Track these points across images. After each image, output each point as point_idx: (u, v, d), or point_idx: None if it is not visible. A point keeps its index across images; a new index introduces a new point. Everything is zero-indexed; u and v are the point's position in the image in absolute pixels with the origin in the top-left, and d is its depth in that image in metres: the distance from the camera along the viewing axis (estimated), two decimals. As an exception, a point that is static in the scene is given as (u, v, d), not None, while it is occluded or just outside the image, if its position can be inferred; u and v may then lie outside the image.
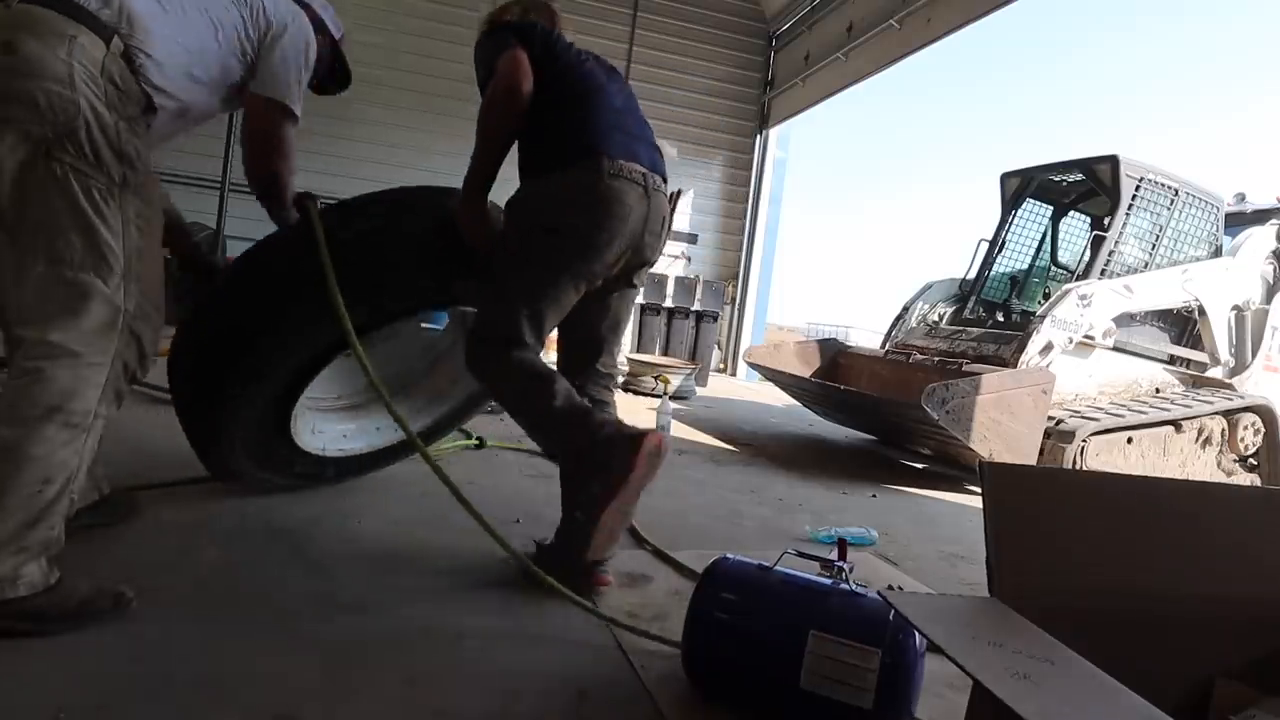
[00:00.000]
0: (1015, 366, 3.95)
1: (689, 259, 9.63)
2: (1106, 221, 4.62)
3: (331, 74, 2.06)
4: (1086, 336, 4.19)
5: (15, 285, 1.34)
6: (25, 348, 1.33)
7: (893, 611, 1.24)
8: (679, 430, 4.60)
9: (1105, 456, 3.85)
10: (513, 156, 1.94)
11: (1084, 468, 3.69)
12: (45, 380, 1.31)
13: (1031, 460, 3.65)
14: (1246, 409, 4.35)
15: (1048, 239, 5.47)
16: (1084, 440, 3.72)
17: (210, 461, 1.97)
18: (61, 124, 1.31)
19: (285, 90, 1.75)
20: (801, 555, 1.48)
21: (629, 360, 6.83)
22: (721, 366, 9.75)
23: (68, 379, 1.32)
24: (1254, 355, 4.75)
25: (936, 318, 5.35)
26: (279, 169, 1.81)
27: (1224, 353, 4.74)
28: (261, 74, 1.71)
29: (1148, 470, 4.02)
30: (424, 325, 2.71)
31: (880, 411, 4.60)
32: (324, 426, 2.33)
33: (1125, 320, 4.45)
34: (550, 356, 2.02)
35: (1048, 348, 4.05)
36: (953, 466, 4.32)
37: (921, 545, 2.76)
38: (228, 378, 1.77)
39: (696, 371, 6.82)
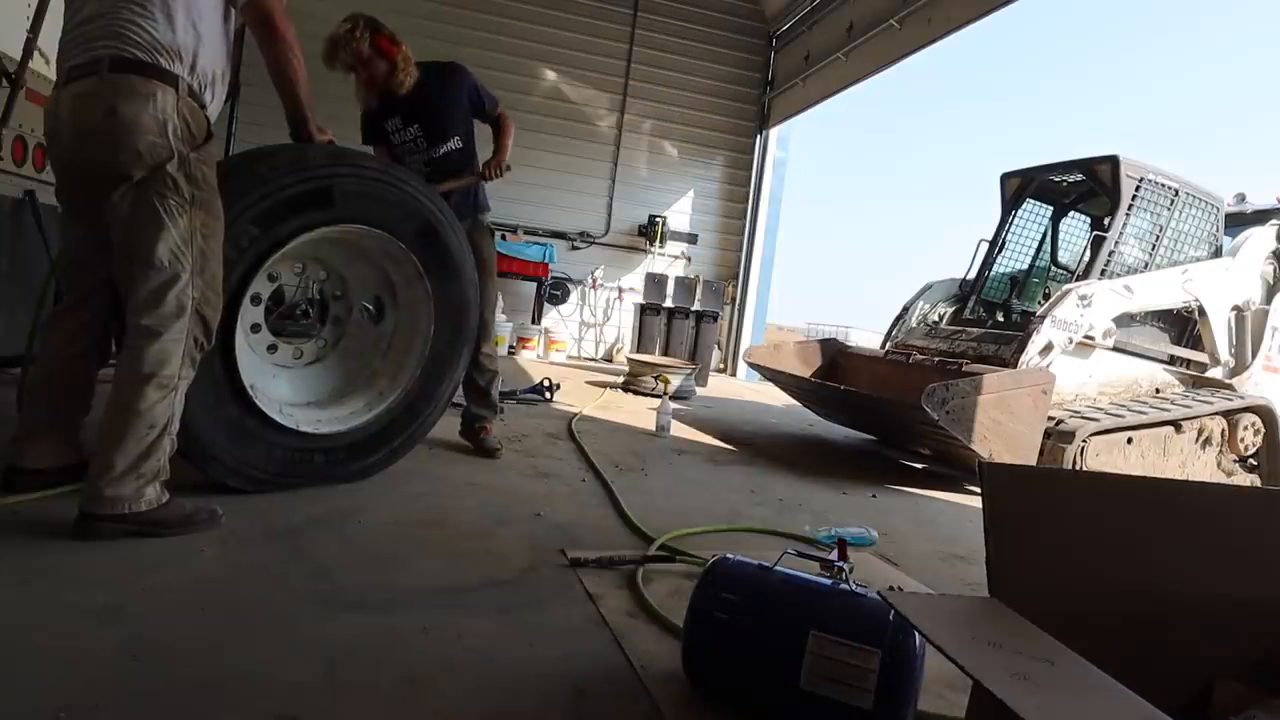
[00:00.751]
0: (1015, 367, 3.95)
1: (689, 259, 9.64)
2: (1106, 222, 4.62)
3: None
4: (1086, 337, 4.19)
5: (127, 283, 1.83)
6: (130, 331, 1.81)
7: (893, 612, 1.24)
8: (679, 430, 4.60)
9: (1105, 457, 3.85)
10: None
11: (1084, 468, 3.69)
12: (144, 355, 1.78)
13: (1031, 460, 3.65)
14: (1246, 409, 4.34)
15: (1048, 239, 5.47)
16: (1084, 440, 3.72)
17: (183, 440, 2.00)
18: (157, 165, 1.77)
19: None
20: (801, 555, 1.48)
21: (629, 360, 6.83)
22: (721, 366, 9.75)
23: (159, 353, 1.80)
24: (1254, 355, 4.75)
25: (937, 318, 5.35)
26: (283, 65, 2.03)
27: (1224, 353, 4.74)
28: None
29: (1148, 470, 4.02)
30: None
31: (880, 411, 4.60)
32: (293, 411, 2.41)
33: (1125, 320, 4.45)
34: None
35: (1048, 348, 4.05)
36: (952, 466, 4.32)
37: (921, 545, 2.76)
38: None
39: (696, 371, 6.82)
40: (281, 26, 1.97)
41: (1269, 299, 4.83)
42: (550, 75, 9.15)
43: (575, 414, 4.57)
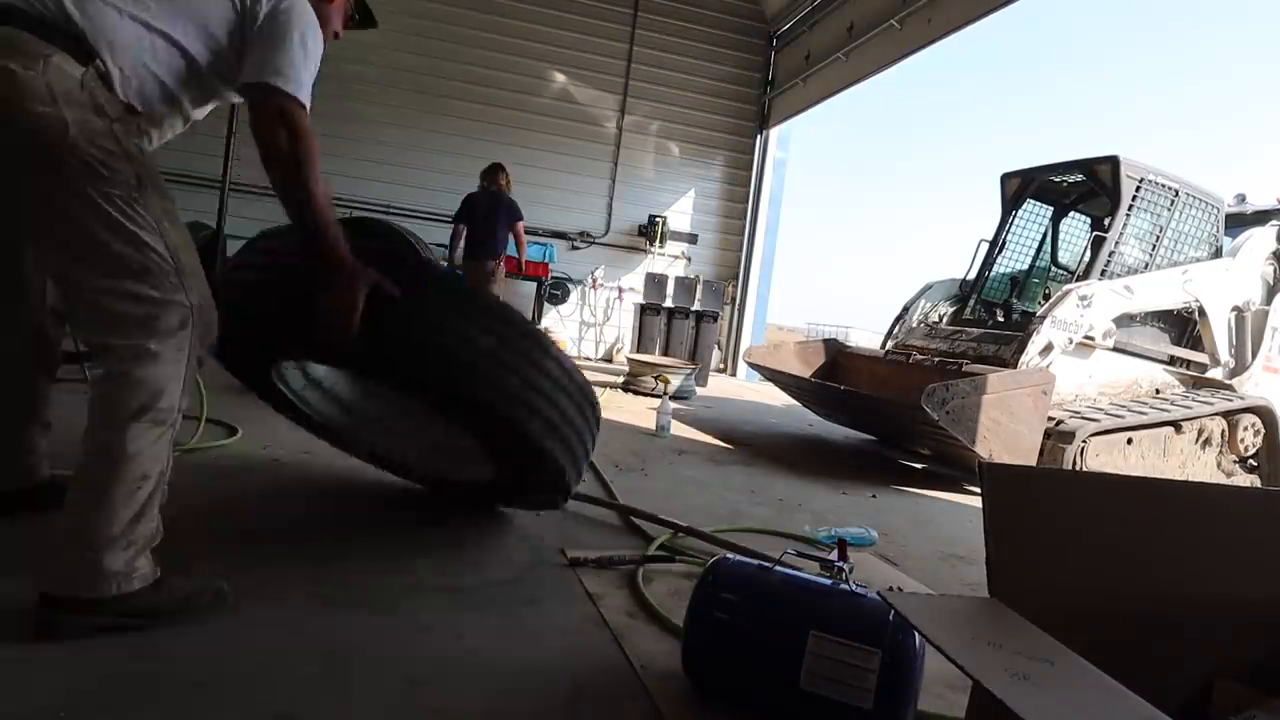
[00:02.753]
0: (1015, 367, 3.95)
1: (689, 259, 9.64)
2: (1107, 222, 4.62)
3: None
4: (1086, 337, 4.19)
5: (77, 299, 1.41)
6: (109, 354, 1.37)
7: (893, 612, 1.24)
8: (679, 430, 4.60)
9: (1105, 457, 3.85)
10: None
11: (1084, 468, 3.69)
12: (133, 382, 1.35)
13: (1031, 461, 3.65)
14: (1246, 410, 4.34)
15: (1048, 239, 5.47)
16: (1084, 441, 3.71)
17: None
18: (56, 142, 1.28)
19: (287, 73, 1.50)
20: (801, 555, 1.49)
21: (629, 360, 6.83)
22: (721, 366, 9.75)
23: (153, 379, 1.37)
24: (1254, 356, 4.74)
25: (937, 318, 5.35)
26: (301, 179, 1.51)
27: (1224, 354, 4.74)
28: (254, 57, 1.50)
29: (1147, 471, 4.02)
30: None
31: (880, 412, 4.60)
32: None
33: (1125, 321, 4.45)
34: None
35: (1048, 348, 4.05)
36: (952, 467, 4.32)
37: (921, 545, 2.76)
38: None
39: (696, 371, 6.82)
40: (305, 137, 1.49)
41: (1269, 299, 4.83)
42: (550, 75, 9.15)
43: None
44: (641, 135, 9.47)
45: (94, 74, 1.33)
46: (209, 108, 1.65)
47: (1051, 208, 5.44)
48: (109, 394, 1.37)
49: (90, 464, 1.35)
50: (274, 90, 1.47)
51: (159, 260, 1.37)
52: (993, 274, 5.39)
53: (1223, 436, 4.29)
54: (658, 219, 9.35)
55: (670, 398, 4.83)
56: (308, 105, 1.52)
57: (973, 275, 5.43)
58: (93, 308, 1.37)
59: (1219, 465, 4.32)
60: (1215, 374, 4.69)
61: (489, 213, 6.26)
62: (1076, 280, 4.49)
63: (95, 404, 1.37)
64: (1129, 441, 3.96)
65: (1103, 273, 4.46)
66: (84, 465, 1.36)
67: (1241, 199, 5.62)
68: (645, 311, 7.92)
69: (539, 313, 9.03)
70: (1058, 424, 3.75)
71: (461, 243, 6.26)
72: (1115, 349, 4.37)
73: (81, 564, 1.32)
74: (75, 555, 1.33)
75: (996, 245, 5.39)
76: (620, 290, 9.48)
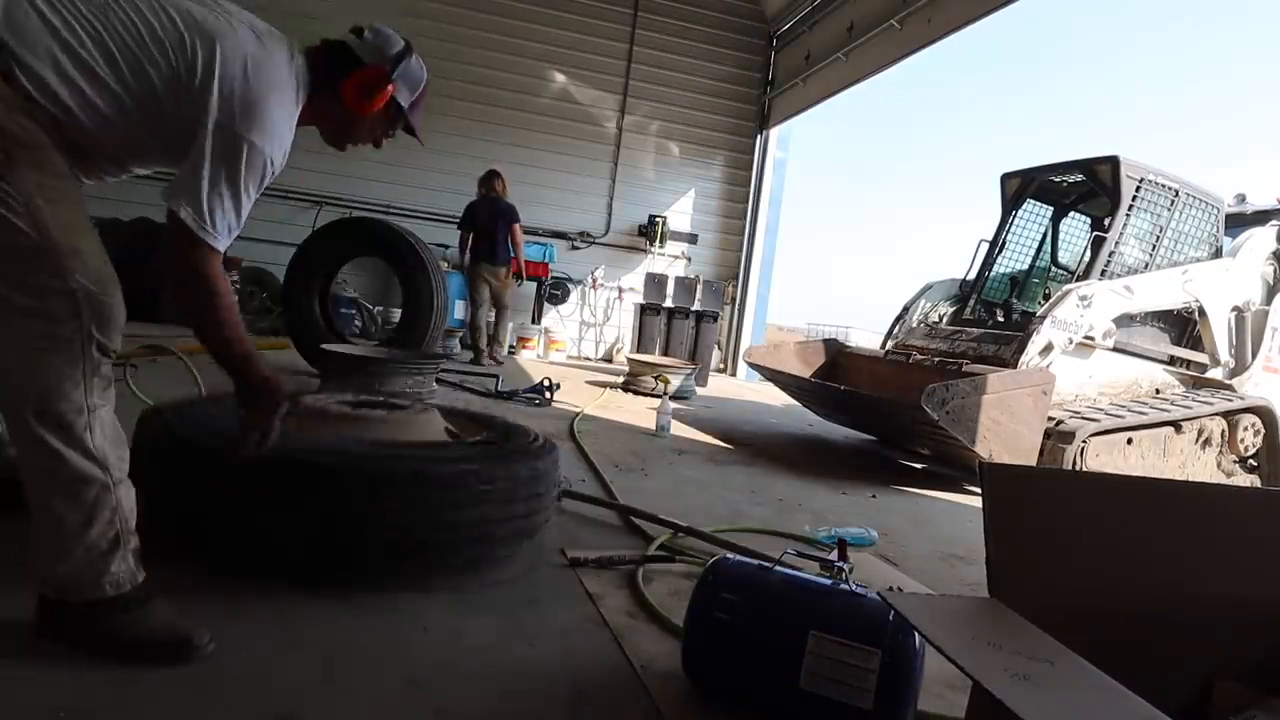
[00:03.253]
0: (1015, 367, 3.95)
1: (689, 259, 9.64)
2: (1107, 222, 4.61)
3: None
4: (1086, 337, 4.19)
5: None
6: None
7: (893, 612, 1.24)
8: (679, 430, 4.60)
9: (1105, 457, 3.85)
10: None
11: (1084, 468, 3.69)
12: (14, 384, 1.24)
13: (1031, 461, 3.65)
14: (1246, 410, 4.34)
15: (1048, 239, 5.47)
16: (1084, 441, 3.71)
17: None
18: None
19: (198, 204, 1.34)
20: (801, 555, 1.49)
21: (629, 360, 6.84)
22: (721, 366, 9.75)
23: (41, 376, 1.22)
24: (1254, 356, 4.74)
25: (937, 318, 5.35)
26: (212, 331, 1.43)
27: (1224, 354, 4.74)
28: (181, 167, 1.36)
29: (1147, 471, 4.01)
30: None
31: (880, 412, 4.59)
32: None
33: (1125, 321, 4.44)
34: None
35: (1048, 348, 4.05)
36: (952, 467, 4.32)
37: (921, 546, 2.76)
38: None
39: (696, 371, 6.82)
40: (205, 268, 1.37)
41: (1269, 300, 4.83)
42: (550, 75, 9.15)
43: (576, 413, 4.57)
44: (641, 135, 9.47)
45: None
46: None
47: (1051, 208, 5.44)
48: (7, 402, 1.26)
49: (25, 474, 1.27)
50: (180, 222, 1.33)
51: (30, 241, 1.20)
52: (993, 274, 5.39)
53: (1223, 436, 4.29)
54: (658, 219, 9.35)
55: (670, 398, 4.83)
56: (221, 247, 1.38)
57: (973, 275, 5.43)
58: None
59: (1219, 465, 4.32)
60: (1215, 374, 4.68)
61: (489, 219, 6.72)
62: (1076, 280, 4.49)
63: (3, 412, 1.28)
64: (1129, 441, 3.96)
65: (1103, 273, 4.46)
66: (24, 476, 1.28)
67: (1241, 199, 5.62)
68: (645, 311, 7.92)
69: (539, 312, 9.05)
70: (1058, 424, 3.75)
71: (467, 249, 6.81)
72: (1115, 349, 4.37)
73: (47, 570, 1.28)
74: (40, 561, 1.28)
75: (996, 245, 5.39)
76: (620, 290, 9.48)
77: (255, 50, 1.41)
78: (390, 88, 1.61)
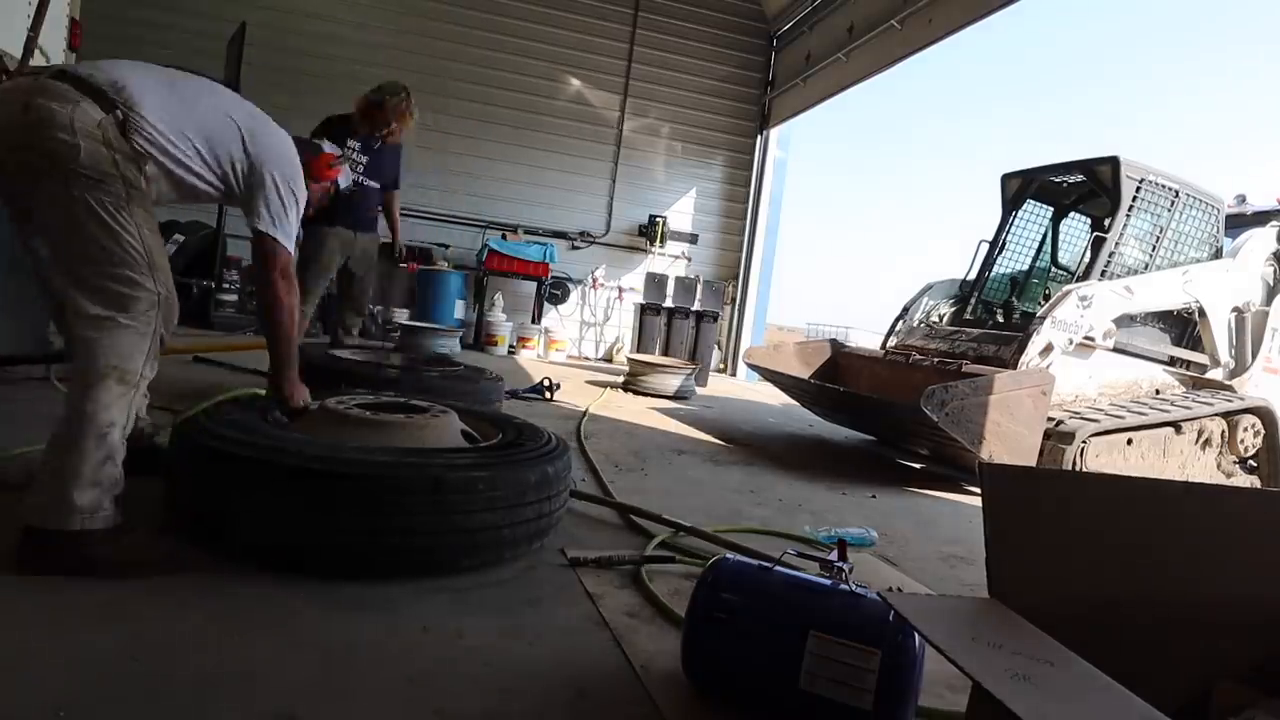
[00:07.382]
0: (1015, 368, 3.95)
1: (689, 259, 9.64)
2: (1107, 223, 4.61)
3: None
4: (1086, 338, 4.19)
5: (72, 286, 1.67)
6: (85, 323, 1.65)
7: (892, 612, 1.24)
8: (679, 430, 4.60)
9: (1105, 458, 3.85)
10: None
11: (1083, 469, 3.69)
12: (105, 346, 1.65)
13: (1031, 461, 3.65)
14: (1246, 411, 4.34)
15: (1048, 240, 5.47)
16: (1084, 441, 3.71)
17: None
18: (69, 161, 1.62)
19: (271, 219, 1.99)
20: (802, 556, 1.49)
21: (629, 360, 6.84)
22: (721, 366, 9.75)
23: (124, 344, 1.67)
24: (1254, 357, 4.74)
25: (937, 318, 5.35)
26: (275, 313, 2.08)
27: (1224, 354, 4.74)
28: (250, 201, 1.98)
29: (1147, 472, 4.01)
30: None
31: (880, 413, 4.59)
32: None
33: (1125, 321, 4.44)
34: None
35: (1048, 349, 4.05)
36: (952, 467, 4.32)
37: (921, 546, 2.76)
38: None
39: (696, 371, 6.82)
40: (277, 279, 2.02)
41: (1269, 300, 4.83)
42: (551, 76, 9.15)
43: (576, 413, 4.57)
44: (642, 135, 9.48)
45: (111, 120, 1.68)
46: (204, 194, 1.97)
47: (1052, 208, 5.44)
48: (85, 356, 1.65)
49: (70, 413, 1.62)
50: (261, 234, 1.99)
51: (136, 254, 1.69)
52: (993, 274, 5.39)
53: (1223, 437, 4.29)
54: (658, 219, 9.35)
55: (670, 398, 4.83)
56: (290, 245, 2.04)
57: (973, 276, 5.43)
58: (81, 282, 1.67)
59: (1219, 466, 4.31)
60: (1215, 375, 4.68)
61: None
62: (1076, 281, 4.49)
63: (76, 365, 1.67)
64: (1129, 442, 3.96)
65: (1103, 273, 4.46)
66: (65, 415, 1.62)
67: (1241, 199, 5.62)
68: (645, 311, 7.92)
69: (539, 312, 9.05)
70: (1058, 424, 3.75)
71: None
72: (1115, 349, 4.37)
73: (54, 497, 1.57)
74: (50, 489, 1.58)
75: (996, 246, 5.39)
76: (620, 290, 9.48)
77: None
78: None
